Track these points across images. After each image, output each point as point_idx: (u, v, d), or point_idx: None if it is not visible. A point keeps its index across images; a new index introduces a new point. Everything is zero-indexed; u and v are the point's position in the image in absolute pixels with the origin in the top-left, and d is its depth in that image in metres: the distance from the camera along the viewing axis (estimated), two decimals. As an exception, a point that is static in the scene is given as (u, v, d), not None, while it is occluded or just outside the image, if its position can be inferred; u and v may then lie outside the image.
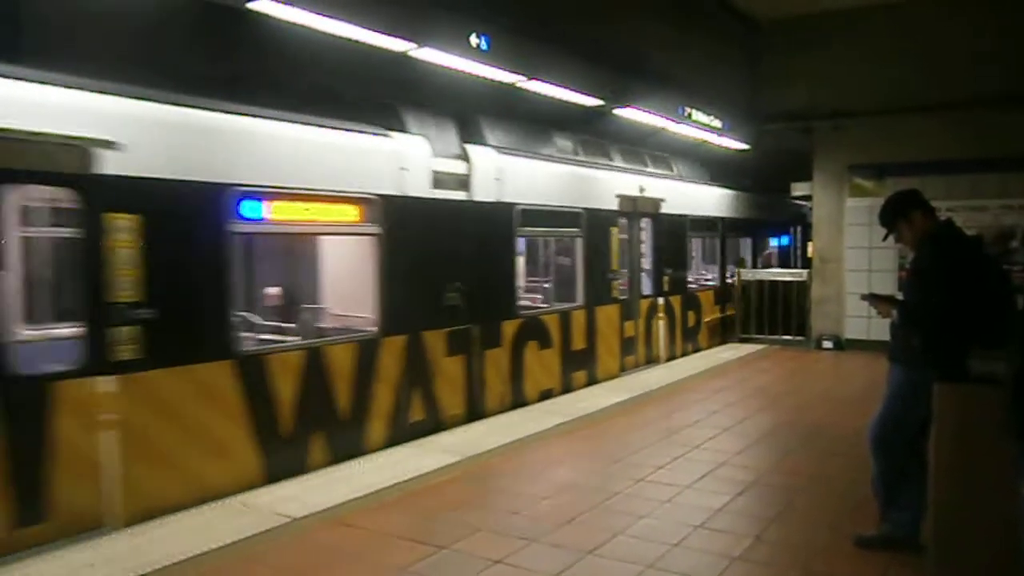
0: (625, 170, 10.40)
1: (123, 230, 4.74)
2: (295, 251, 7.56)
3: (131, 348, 4.78)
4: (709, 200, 12.90)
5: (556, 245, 10.72)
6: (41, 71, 4.47)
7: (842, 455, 6.34)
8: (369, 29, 5.62)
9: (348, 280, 7.11)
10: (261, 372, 5.56)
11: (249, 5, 4.87)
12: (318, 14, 5.23)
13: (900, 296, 4.49)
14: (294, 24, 5.27)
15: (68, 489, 4.54)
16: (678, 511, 5.09)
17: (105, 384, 4.67)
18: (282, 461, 5.66)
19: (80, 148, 4.55)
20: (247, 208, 5.48)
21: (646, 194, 10.55)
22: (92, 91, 4.68)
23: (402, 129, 6.90)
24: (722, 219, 13.37)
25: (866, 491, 4.63)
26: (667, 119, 10.02)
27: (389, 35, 5.80)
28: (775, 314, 12.64)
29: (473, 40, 6.51)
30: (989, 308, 3.97)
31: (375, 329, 6.51)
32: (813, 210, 12.86)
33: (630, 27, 9.46)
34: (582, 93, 8.20)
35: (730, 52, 12.46)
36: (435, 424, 7.03)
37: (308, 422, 5.88)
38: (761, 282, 12.90)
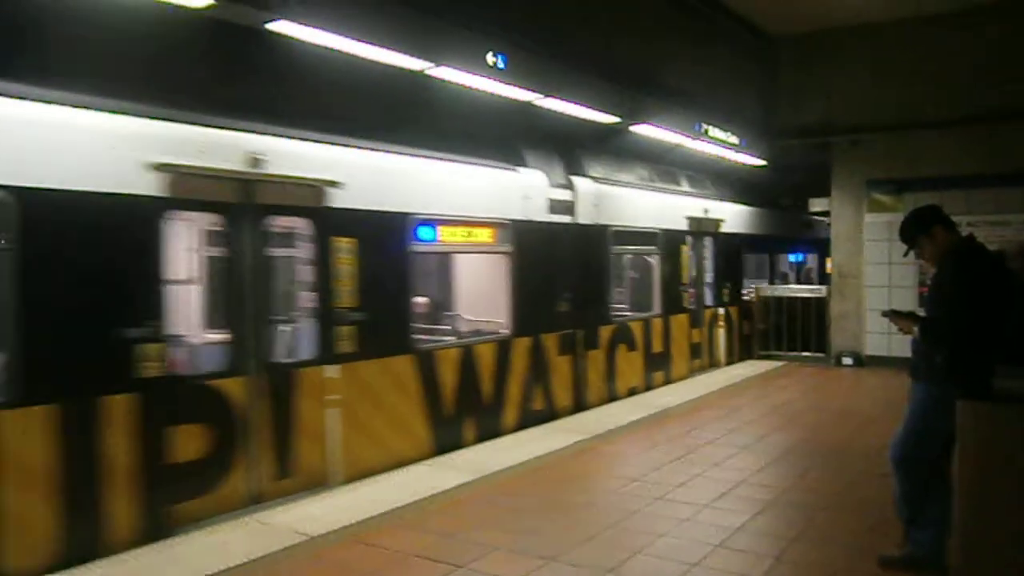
0: (691, 194, 11.67)
1: (343, 250, 6.07)
2: (434, 267, 8.87)
3: (349, 343, 6.09)
4: (758, 220, 14.14)
5: (628, 260, 11.94)
6: (290, 128, 5.82)
7: (863, 473, 6.27)
8: (388, 49, 5.75)
9: (478, 290, 8.40)
10: (431, 365, 6.85)
11: (268, 26, 5.07)
12: (339, 35, 5.38)
13: (921, 312, 4.45)
14: (321, 47, 5.48)
15: (305, 453, 5.83)
16: (697, 530, 5.06)
17: (331, 371, 5.98)
18: (445, 437, 6.94)
19: (317, 188, 5.89)
20: (421, 232, 6.80)
21: (709, 215, 11.83)
22: (322, 142, 6.02)
23: (523, 164, 8.21)
24: (769, 237, 14.61)
25: (888, 510, 4.55)
26: (684, 135, 10.06)
27: (407, 55, 5.92)
28: (794, 330, 12.72)
29: (490, 58, 6.64)
30: (1011, 324, 3.98)
31: (508, 332, 7.79)
32: (831, 226, 12.95)
33: (645, 44, 9.59)
34: (598, 110, 8.31)
35: (746, 68, 12.57)
36: (551, 413, 8.28)
37: (463, 406, 7.16)
38: (780, 298, 13.03)
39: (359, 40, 5.52)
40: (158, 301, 4.94)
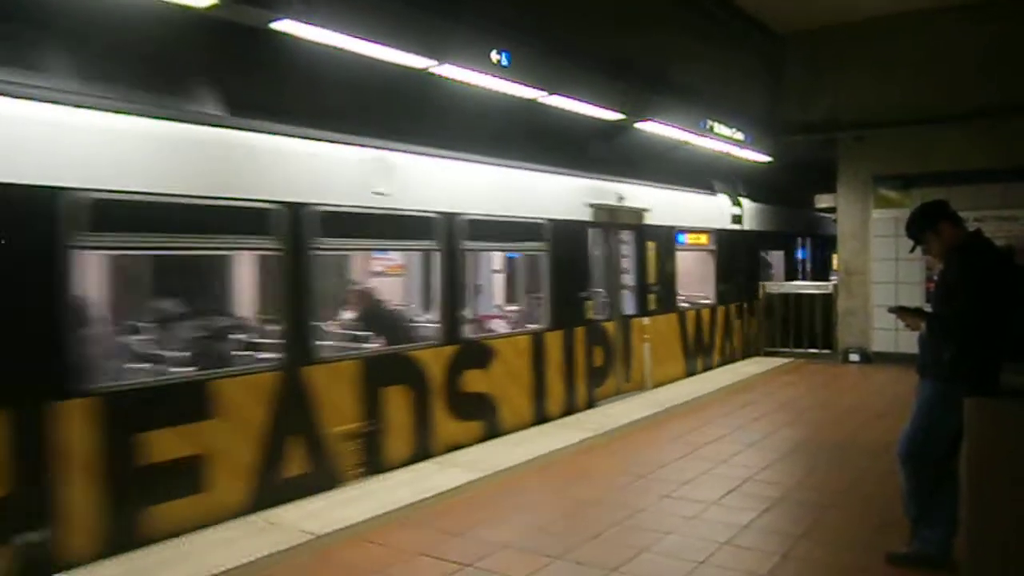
0: (793, 204, 15.84)
1: (650, 249, 10.18)
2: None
3: (652, 304, 10.21)
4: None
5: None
6: (632, 178, 9.90)
7: (870, 470, 6.32)
8: (391, 47, 5.85)
9: (686, 274, 12.52)
10: (684, 320, 10.99)
11: (272, 25, 5.13)
12: (343, 34, 5.46)
13: (928, 308, 4.44)
14: (326, 46, 5.49)
15: (635, 369, 9.92)
16: (704, 527, 5.06)
17: (646, 320, 10.08)
18: (690, 366, 11.07)
19: (639, 212, 10.00)
20: (679, 237, 10.93)
21: (808, 221, 15.99)
22: (642, 185, 10.10)
23: (714, 191, 12.33)
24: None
25: (896, 507, 4.53)
26: (689, 132, 10.29)
27: (411, 53, 6.02)
28: (801, 327, 12.80)
29: (494, 56, 6.78)
30: (1019, 320, 3.97)
31: (712, 301, 11.93)
32: (837, 222, 12.97)
33: (650, 41, 9.64)
34: (603, 107, 8.49)
35: (751, 65, 12.59)
36: (732, 357, 12.40)
37: (696, 348, 11.30)
38: (786, 295, 13.13)
39: (362, 39, 5.60)
40: (589, 276, 9.05)
